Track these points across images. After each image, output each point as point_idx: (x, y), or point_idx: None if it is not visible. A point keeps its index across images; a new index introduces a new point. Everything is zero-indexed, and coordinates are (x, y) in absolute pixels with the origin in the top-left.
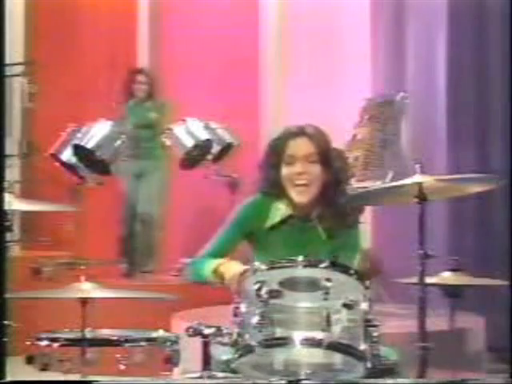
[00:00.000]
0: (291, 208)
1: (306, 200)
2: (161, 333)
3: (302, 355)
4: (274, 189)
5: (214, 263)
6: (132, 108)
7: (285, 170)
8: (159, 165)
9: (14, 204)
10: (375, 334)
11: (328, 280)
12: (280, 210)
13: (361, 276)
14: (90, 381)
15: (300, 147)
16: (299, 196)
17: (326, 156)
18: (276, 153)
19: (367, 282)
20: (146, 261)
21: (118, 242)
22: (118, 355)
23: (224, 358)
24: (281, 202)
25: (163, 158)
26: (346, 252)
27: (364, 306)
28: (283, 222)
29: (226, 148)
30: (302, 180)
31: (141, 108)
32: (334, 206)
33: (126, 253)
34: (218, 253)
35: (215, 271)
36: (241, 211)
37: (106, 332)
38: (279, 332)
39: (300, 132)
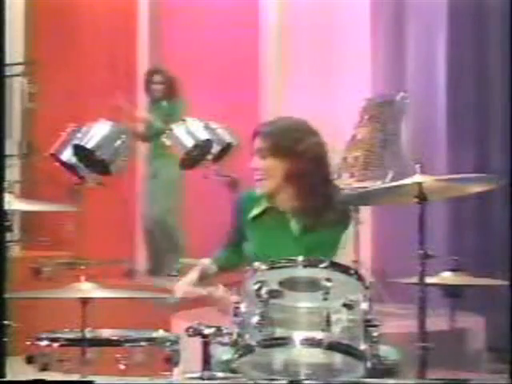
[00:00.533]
0: (269, 201)
1: (266, 191)
2: (161, 333)
3: (302, 355)
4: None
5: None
6: (150, 108)
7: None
8: (171, 164)
9: (14, 204)
10: (375, 334)
11: (328, 280)
12: (262, 202)
13: (361, 276)
14: (89, 381)
15: (255, 144)
16: (259, 189)
17: (278, 149)
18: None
19: (367, 282)
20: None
21: (146, 246)
22: (118, 355)
23: (224, 357)
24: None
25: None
26: (322, 251)
27: (364, 305)
28: (263, 213)
29: (226, 148)
30: (257, 175)
31: (157, 108)
32: (312, 201)
33: (152, 255)
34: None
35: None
36: (235, 202)
37: (105, 332)
38: (279, 332)
39: (258, 129)
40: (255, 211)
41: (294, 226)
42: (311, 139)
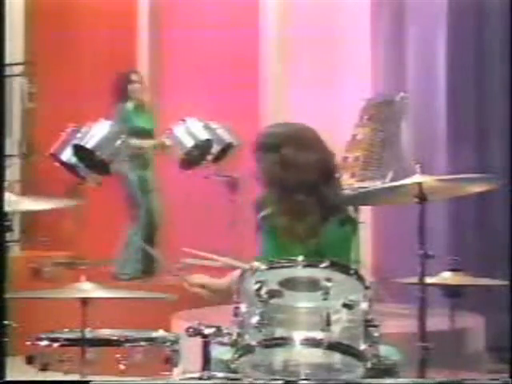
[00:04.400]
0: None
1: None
2: (161, 333)
3: (302, 355)
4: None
5: None
6: (133, 111)
7: None
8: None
9: (17, 203)
10: (375, 334)
11: (328, 280)
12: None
13: (361, 276)
14: (90, 381)
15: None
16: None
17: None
18: None
19: (367, 282)
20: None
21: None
22: (118, 355)
23: (224, 358)
24: None
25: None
26: (333, 251)
27: (364, 305)
28: (272, 214)
29: (226, 148)
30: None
31: (143, 112)
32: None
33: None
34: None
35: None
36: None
37: (105, 332)
38: (279, 332)
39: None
40: (265, 211)
41: (301, 229)
42: (319, 149)
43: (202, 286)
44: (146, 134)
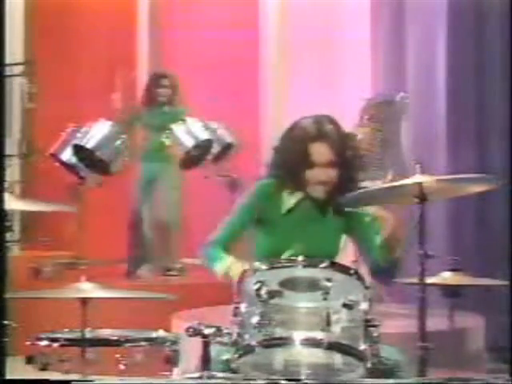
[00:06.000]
0: (304, 193)
1: (323, 196)
2: (161, 333)
3: (302, 355)
4: (284, 183)
5: (225, 263)
6: (152, 113)
7: (307, 174)
8: (172, 168)
9: (14, 204)
10: (375, 334)
11: (328, 280)
12: (293, 194)
13: (361, 276)
14: (89, 381)
15: (320, 154)
16: (316, 192)
17: (345, 159)
18: (297, 155)
19: (367, 282)
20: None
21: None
22: (118, 355)
23: (224, 357)
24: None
25: (174, 161)
26: (361, 231)
27: (364, 305)
28: (297, 204)
29: (226, 148)
30: (319, 183)
31: (159, 113)
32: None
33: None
34: (230, 238)
35: (226, 273)
36: (250, 197)
37: (105, 332)
38: (279, 332)
39: (319, 135)
40: (290, 203)
41: (329, 211)
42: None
43: None
44: (158, 131)
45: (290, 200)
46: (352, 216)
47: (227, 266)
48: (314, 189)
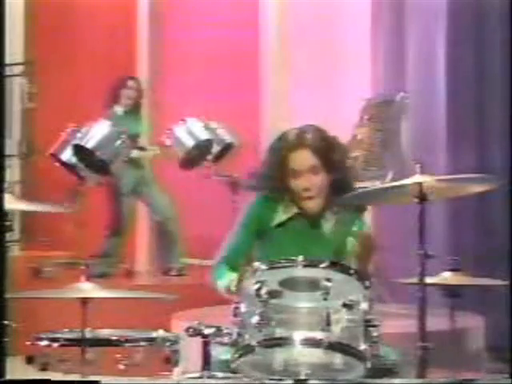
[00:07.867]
0: (298, 208)
1: (316, 208)
2: (161, 333)
3: (302, 355)
4: (280, 195)
5: (227, 278)
6: (122, 116)
7: (291, 183)
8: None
9: (14, 204)
10: (375, 334)
11: (328, 280)
12: (287, 208)
13: (361, 276)
14: (89, 381)
15: (303, 161)
16: (308, 204)
17: (329, 163)
18: (278, 166)
19: (367, 282)
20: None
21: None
22: (118, 355)
23: (224, 357)
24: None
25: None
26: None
27: (364, 305)
28: (291, 219)
29: (226, 148)
30: (309, 193)
31: (132, 118)
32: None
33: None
34: (236, 256)
35: (226, 287)
36: (248, 211)
37: (105, 332)
38: (279, 332)
39: (300, 143)
40: (283, 217)
41: (325, 225)
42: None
43: None
44: (132, 138)
45: (284, 214)
46: (345, 229)
47: (229, 280)
48: (305, 202)
